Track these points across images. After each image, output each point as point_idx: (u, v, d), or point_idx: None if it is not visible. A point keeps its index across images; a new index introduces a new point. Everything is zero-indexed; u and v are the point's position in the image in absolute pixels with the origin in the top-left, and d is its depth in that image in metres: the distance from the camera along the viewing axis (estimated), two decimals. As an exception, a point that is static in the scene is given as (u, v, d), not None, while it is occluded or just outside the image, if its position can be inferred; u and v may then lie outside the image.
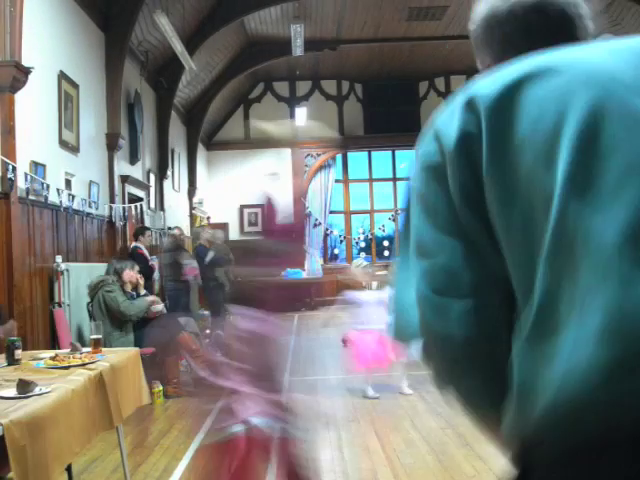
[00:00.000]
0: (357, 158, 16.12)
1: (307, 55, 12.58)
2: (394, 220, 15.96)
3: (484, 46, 1.31)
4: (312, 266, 14.11)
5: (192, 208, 12.91)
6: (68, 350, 3.51)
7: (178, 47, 8.92)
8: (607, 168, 0.78)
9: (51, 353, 3.37)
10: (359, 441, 4.22)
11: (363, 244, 16.02)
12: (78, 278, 6.18)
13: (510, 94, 0.88)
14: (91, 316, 5.62)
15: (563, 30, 1.06)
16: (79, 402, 2.69)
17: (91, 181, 7.09)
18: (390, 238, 16.15)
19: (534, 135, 0.84)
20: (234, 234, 14.85)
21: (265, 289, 2.58)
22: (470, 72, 15.25)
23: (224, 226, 14.64)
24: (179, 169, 12.01)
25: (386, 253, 14.65)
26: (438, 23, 11.92)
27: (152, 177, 9.99)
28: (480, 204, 0.88)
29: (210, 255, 8.13)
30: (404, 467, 3.66)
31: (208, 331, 9.80)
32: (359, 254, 15.69)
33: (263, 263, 2.55)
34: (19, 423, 2.17)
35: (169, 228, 9.74)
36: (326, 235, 15.65)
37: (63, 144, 6.35)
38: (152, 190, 9.87)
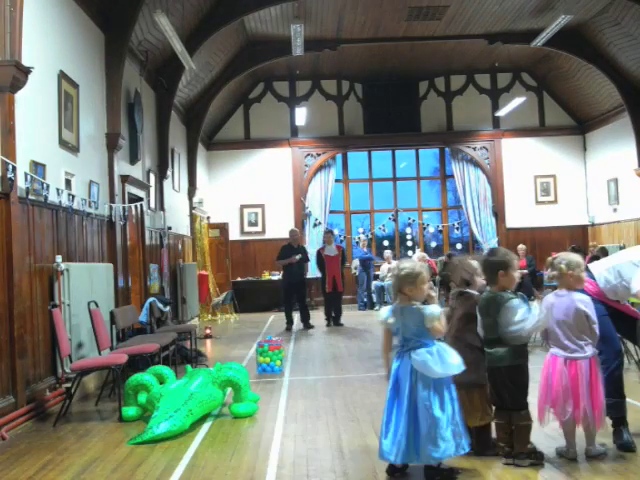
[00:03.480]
0: (357, 158, 16.12)
1: (307, 55, 12.59)
2: (394, 220, 15.97)
3: None
4: (312, 266, 14.09)
5: (192, 208, 12.91)
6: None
7: (178, 47, 8.92)
8: None
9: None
10: (359, 441, 4.22)
11: (363, 244, 16.00)
12: (78, 278, 6.18)
13: None
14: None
15: None
16: None
17: (91, 181, 7.09)
18: (390, 238, 16.15)
19: None
20: (234, 234, 14.86)
21: None
22: (470, 72, 15.27)
23: (224, 226, 14.67)
24: (179, 169, 12.01)
25: (386, 253, 14.63)
26: (438, 23, 11.92)
27: (152, 177, 9.99)
28: None
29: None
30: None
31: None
32: (359, 254, 15.67)
33: None
34: None
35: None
36: (326, 235, 15.63)
37: (63, 144, 6.35)
38: (152, 190, 9.87)
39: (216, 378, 5.03)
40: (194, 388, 4.82)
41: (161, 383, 5.04)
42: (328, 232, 12.54)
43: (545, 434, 4.05)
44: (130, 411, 5.01)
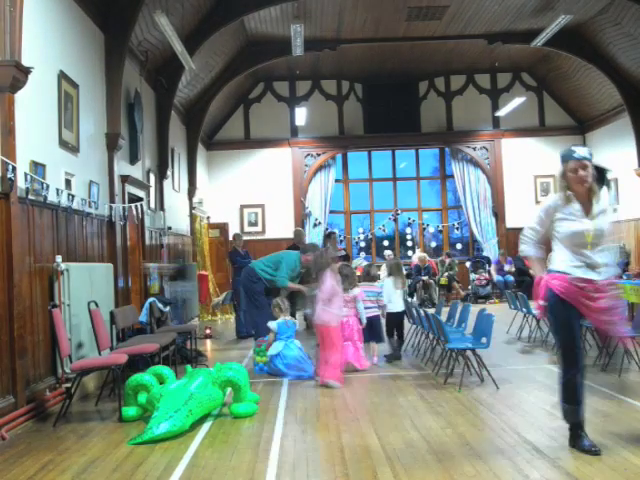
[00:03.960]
0: (357, 158, 16.13)
1: (307, 55, 12.59)
2: (394, 220, 15.97)
3: None
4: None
5: (192, 208, 12.91)
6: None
7: (178, 47, 8.92)
8: None
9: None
10: (359, 441, 4.22)
11: (363, 244, 16.02)
12: (78, 278, 6.18)
13: None
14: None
15: None
16: None
17: (91, 181, 7.09)
18: (390, 238, 16.15)
19: None
20: (234, 234, 14.84)
21: None
22: (470, 72, 15.27)
23: (224, 226, 14.66)
24: (179, 169, 12.01)
25: (387, 253, 14.64)
26: (438, 23, 11.93)
27: (152, 177, 9.99)
28: None
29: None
30: (404, 467, 3.66)
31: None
32: (359, 254, 15.69)
33: None
34: None
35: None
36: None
37: (63, 144, 6.35)
38: (152, 190, 9.87)
39: (216, 378, 5.03)
40: (194, 388, 4.82)
41: (161, 383, 5.04)
42: (331, 234, 12.42)
43: (545, 434, 4.06)
44: (130, 411, 5.01)
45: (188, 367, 5.66)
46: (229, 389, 5.13)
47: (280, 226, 14.79)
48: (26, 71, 5.15)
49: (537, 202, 15.33)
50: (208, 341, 9.76)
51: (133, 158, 8.81)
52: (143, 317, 7.81)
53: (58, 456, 4.15)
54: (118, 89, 7.83)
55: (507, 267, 14.33)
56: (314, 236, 15.14)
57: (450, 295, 13.95)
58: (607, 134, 14.25)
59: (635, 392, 5.26)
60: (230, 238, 14.54)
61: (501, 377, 6.10)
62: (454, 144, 15.44)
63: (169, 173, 10.91)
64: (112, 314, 6.59)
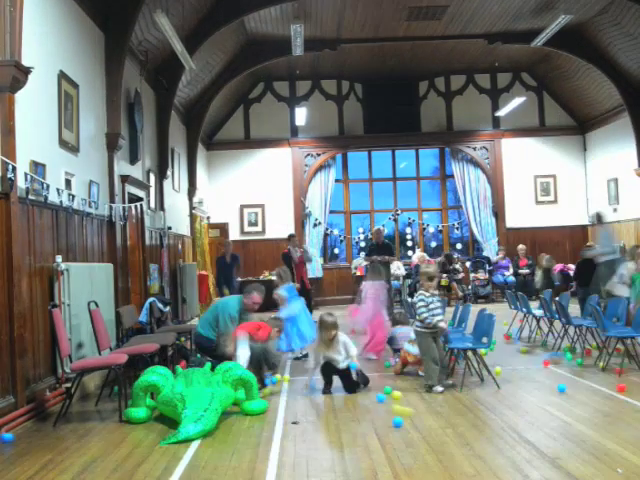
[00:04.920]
0: (357, 158, 16.12)
1: (307, 55, 12.59)
2: (394, 220, 15.97)
3: None
4: (312, 266, 14.11)
5: (192, 208, 12.91)
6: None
7: (178, 47, 8.92)
8: None
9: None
10: (359, 441, 4.22)
11: (363, 244, 16.02)
12: (78, 278, 6.18)
13: None
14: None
15: None
16: None
17: (91, 181, 7.09)
18: (390, 238, 16.14)
19: None
20: (234, 234, 14.86)
21: None
22: (470, 72, 15.27)
23: (224, 226, 14.66)
24: (179, 169, 12.01)
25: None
26: (438, 23, 11.93)
27: (152, 177, 9.99)
28: None
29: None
30: (404, 467, 3.66)
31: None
32: (359, 254, 15.69)
33: None
34: None
35: None
36: (326, 235, 15.67)
37: (63, 144, 6.35)
38: (152, 190, 9.87)
39: (227, 377, 5.07)
40: (213, 388, 4.86)
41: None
42: (292, 236, 12.09)
43: (545, 434, 4.05)
44: (140, 412, 4.94)
45: (178, 368, 5.71)
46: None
47: (280, 226, 14.79)
48: (26, 71, 5.15)
49: (537, 202, 15.35)
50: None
51: (133, 158, 8.81)
52: (143, 317, 7.82)
53: (58, 456, 4.15)
54: (118, 89, 7.83)
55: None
56: (314, 236, 15.16)
57: (450, 295, 13.96)
58: (607, 134, 14.25)
59: (635, 392, 5.26)
60: (231, 238, 14.59)
61: (501, 377, 6.10)
62: (454, 144, 15.43)
63: (169, 173, 10.90)
64: (118, 313, 6.59)
